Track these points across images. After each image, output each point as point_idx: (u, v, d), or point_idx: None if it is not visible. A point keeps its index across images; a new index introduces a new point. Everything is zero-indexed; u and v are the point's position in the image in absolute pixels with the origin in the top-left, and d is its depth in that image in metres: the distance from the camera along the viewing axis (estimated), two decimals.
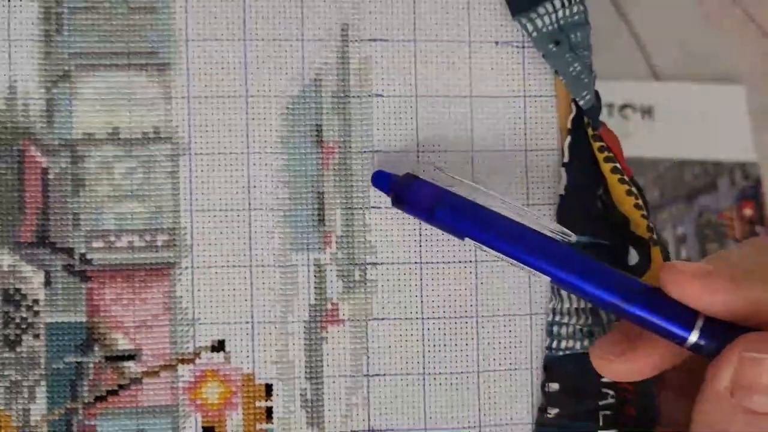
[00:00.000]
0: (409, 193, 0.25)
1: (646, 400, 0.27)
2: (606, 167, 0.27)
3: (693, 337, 0.23)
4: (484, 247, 0.25)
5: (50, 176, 0.26)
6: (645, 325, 0.24)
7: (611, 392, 0.27)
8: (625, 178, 0.27)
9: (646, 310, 0.23)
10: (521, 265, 0.24)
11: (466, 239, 0.25)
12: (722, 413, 0.22)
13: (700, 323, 0.23)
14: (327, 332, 0.27)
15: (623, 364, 0.24)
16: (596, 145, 0.27)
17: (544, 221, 0.25)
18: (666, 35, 0.54)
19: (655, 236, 0.27)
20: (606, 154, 0.27)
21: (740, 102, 0.55)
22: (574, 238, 0.25)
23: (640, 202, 0.27)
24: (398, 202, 0.26)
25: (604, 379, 0.27)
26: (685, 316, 0.23)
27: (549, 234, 0.25)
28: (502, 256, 0.25)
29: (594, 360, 0.25)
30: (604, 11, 0.52)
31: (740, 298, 0.22)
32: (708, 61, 0.55)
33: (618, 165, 0.27)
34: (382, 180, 0.26)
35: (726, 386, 0.22)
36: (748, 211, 0.54)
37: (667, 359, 0.24)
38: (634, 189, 0.27)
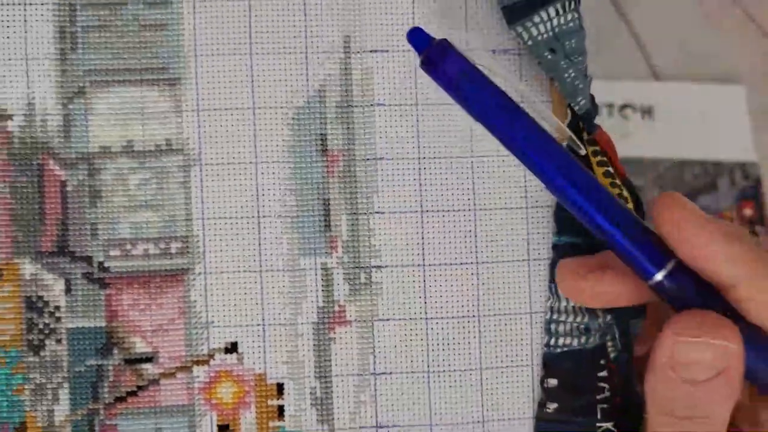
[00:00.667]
0: (441, 58, 0.25)
1: (629, 388, 0.28)
2: (599, 171, 0.28)
3: (659, 276, 0.24)
4: (492, 136, 0.25)
5: (68, 188, 0.28)
6: (619, 251, 0.24)
7: (607, 386, 0.28)
8: (617, 181, 0.28)
9: (626, 236, 0.24)
10: (522, 162, 0.25)
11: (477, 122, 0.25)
12: (667, 385, 0.23)
13: (670, 266, 0.24)
14: (335, 333, 0.28)
15: (587, 283, 0.26)
16: (590, 149, 0.28)
17: (564, 128, 0.25)
18: (666, 35, 0.54)
19: None
20: (599, 158, 0.28)
21: (740, 102, 0.55)
22: (583, 151, 0.25)
23: (629, 206, 0.28)
24: (427, 63, 0.25)
25: (600, 374, 0.28)
26: (659, 255, 0.24)
27: (564, 142, 0.25)
28: (508, 149, 0.25)
29: (560, 273, 0.26)
30: (604, 11, 0.52)
31: (731, 266, 0.23)
32: (708, 61, 0.55)
33: (610, 169, 0.28)
34: (418, 37, 0.25)
35: (665, 362, 0.23)
36: (748, 211, 0.54)
37: (630, 295, 0.25)
38: (624, 192, 0.28)
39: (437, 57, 0.25)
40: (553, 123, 0.25)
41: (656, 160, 0.54)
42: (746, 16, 0.53)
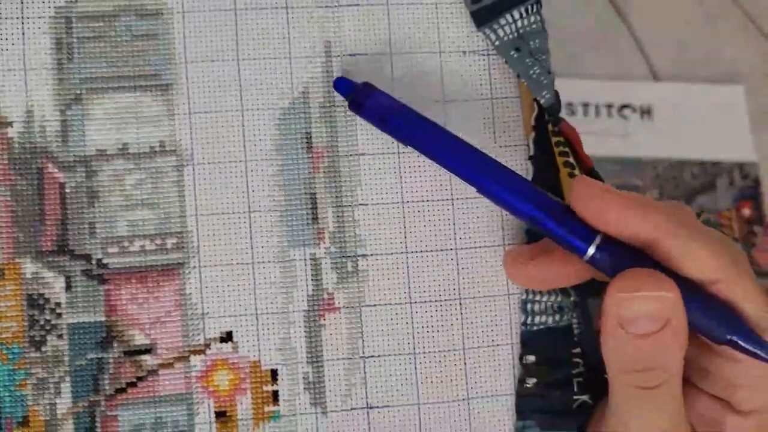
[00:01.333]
0: (367, 99, 0.28)
1: (598, 362, 0.30)
2: (560, 161, 0.30)
3: (591, 250, 0.26)
4: (419, 150, 0.28)
5: (67, 190, 0.29)
6: (552, 235, 0.27)
7: (581, 361, 0.30)
8: (575, 172, 0.30)
9: (554, 221, 0.26)
10: (456, 174, 0.27)
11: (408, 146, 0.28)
12: (618, 342, 0.25)
13: (597, 240, 0.26)
14: (325, 320, 0.30)
15: (534, 268, 0.28)
16: (554, 140, 0.30)
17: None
18: (665, 36, 0.54)
19: None
20: (561, 148, 0.30)
21: (739, 102, 0.55)
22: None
23: None
24: (354, 106, 0.28)
25: (574, 350, 0.30)
26: (586, 232, 0.26)
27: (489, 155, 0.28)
28: (431, 159, 0.28)
29: (507, 262, 0.28)
30: (603, 12, 0.51)
31: (643, 222, 0.25)
32: (707, 61, 0.55)
33: (570, 159, 0.30)
34: (343, 86, 0.29)
35: (614, 321, 0.25)
36: (746, 211, 0.55)
37: (574, 275, 0.27)
38: None
39: (362, 98, 0.28)
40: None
41: (655, 159, 0.54)
42: (745, 16, 0.53)
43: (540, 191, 0.27)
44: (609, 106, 0.53)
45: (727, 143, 0.55)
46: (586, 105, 0.52)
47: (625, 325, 0.25)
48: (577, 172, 0.30)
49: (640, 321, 0.24)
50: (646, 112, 0.54)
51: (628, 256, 0.26)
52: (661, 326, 0.24)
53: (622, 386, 0.26)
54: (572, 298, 0.30)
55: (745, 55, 0.56)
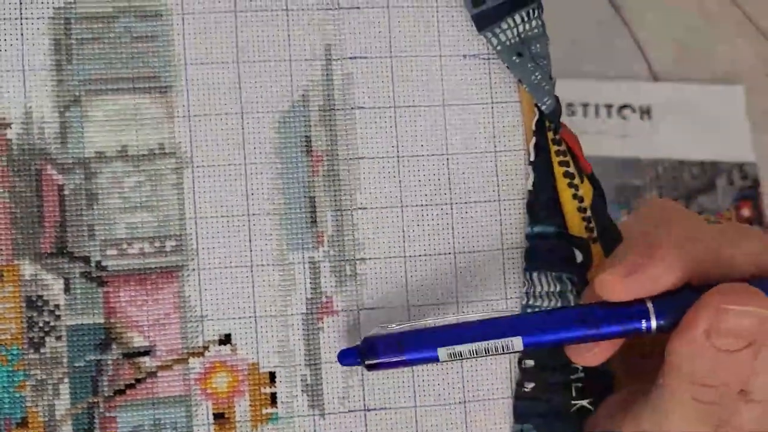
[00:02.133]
0: (379, 354, 0.27)
1: (600, 368, 0.30)
2: (559, 171, 0.30)
3: (653, 324, 0.26)
4: (456, 350, 0.27)
5: (66, 192, 0.29)
6: (609, 337, 0.27)
7: (580, 366, 0.30)
8: (574, 181, 0.30)
9: (604, 327, 0.26)
10: (489, 346, 0.27)
11: (440, 355, 0.27)
12: (698, 352, 0.25)
13: (651, 309, 0.26)
14: (323, 323, 0.30)
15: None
16: (553, 149, 0.30)
17: (487, 311, 0.28)
18: (665, 36, 0.54)
19: (594, 234, 0.30)
20: (561, 158, 0.30)
21: (739, 103, 0.55)
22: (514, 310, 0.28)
23: (584, 204, 0.30)
24: (371, 365, 0.28)
25: None
26: (636, 312, 0.26)
27: (498, 314, 0.28)
28: (472, 348, 0.27)
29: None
30: (603, 12, 0.51)
31: (679, 269, 0.25)
32: (706, 61, 0.55)
33: (570, 168, 0.30)
34: (347, 355, 0.28)
35: (703, 329, 0.25)
36: (746, 212, 0.55)
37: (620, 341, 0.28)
38: (580, 192, 0.30)
39: (373, 357, 0.27)
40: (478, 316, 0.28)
41: (655, 160, 0.54)
42: (745, 16, 0.53)
43: (568, 310, 0.27)
44: (609, 107, 0.53)
45: (726, 143, 0.55)
46: (585, 105, 0.52)
47: (713, 336, 0.24)
48: (576, 181, 0.30)
49: (731, 337, 0.24)
50: (645, 112, 0.54)
51: (685, 302, 0.26)
52: (744, 346, 0.24)
53: (678, 392, 0.26)
54: (572, 305, 0.30)
55: (744, 55, 0.55)
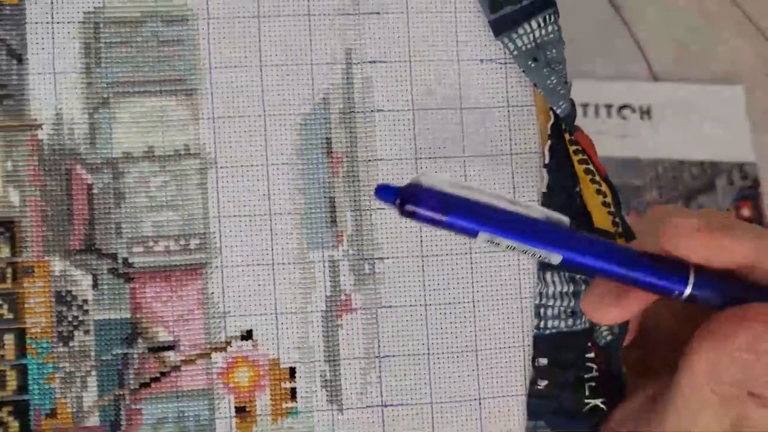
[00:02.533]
0: (418, 204, 0.24)
1: (613, 370, 0.30)
2: (580, 168, 0.31)
3: (688, 291, 0.26)
4: (498, 240, 0.25)
5: (95, 191, 0.30)
6: (643, 286, 0.26)
7: (594, 366, 0.31)
8: (596, 178, 0.31)
9: (642, 273, 0.26)
10: (531, 250, 0.25)
11: (480, 235, 0.25)
12: (723, 360, 0.25)
13: (692, 278, 0.26)
14: (342, 320, 0.31)
15: (616, 309, 0.27)
16: (572, 148, 0.31)
17: (536, 209, 0.26)
18: (665, 36, 0.54)
19: (620, 229, 0.31)
20: (580, 156, 0.31)
21: (738, 103, 0.55)
22: (567, 221, 0.26)
23: (608, 199, 0.30)
24: (406, 213, 0.25)
25: (588, 355, 0.31)
26: (677, 271, 0.26)
27: (545, 220, 0.26)
28: (514, 245, 0.25)
29: (588, 306, 0.27)
30: (603, 12, 0.51)
31: (740, 248, 0.25)
32: (706, 61, 0.54)
33: (590, 166, 0.31)
34: (386, 194, 0.25)
35: (738, 346, 0.25)
36: (746, 212, 0.54)
37: (646, 303, 0.27)
38: (602, 188, 0.31)
39: (413, 204, 0.24)
40: (531, 207, 0.26)
41: (655, 160, 0.54)
42: (745, 16, 0.53)
43: (618, 247, 0.26)
44: (608, 107, 0.53)
45: (726, 143, 0.55)
46: (585, 105, 0.52)
47: (746, 351, 0.25)
48: (597, 177, 0.31)
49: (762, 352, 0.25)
50: (645, 112, 0.54)
51: (725, 286, 0.26)
52: None
53: (703, 392, 0.26)
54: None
55: (744, 55, 0.55)
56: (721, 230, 0.26)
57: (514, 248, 0.25)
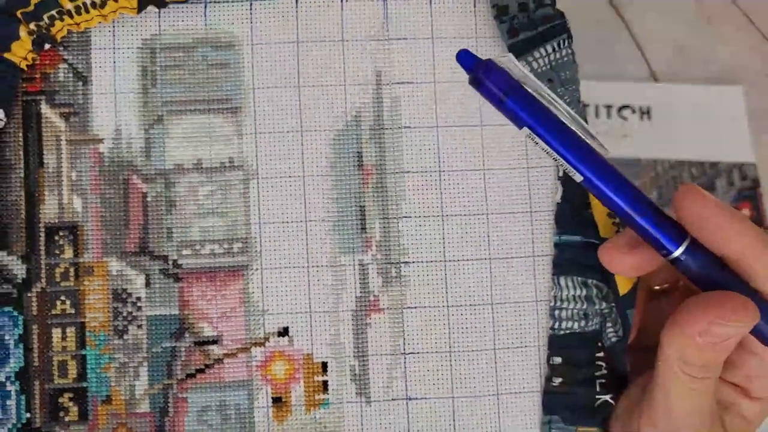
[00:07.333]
0: (487, 77, 0.27)
1: (619, 366, 0.32)
2: None
3: (677, 252, 0.28)
4: (537, 139, 0.28)
5: (149, 199, 0.33)
6: (642, 233, 0.28)
7: (604, 364, 0.33)
8: None
9: (648, 220, 0.28)
10: (562, 160, 0.28)
11: (524, 129, 0.28)
12: (693, 346, 0.27)
13: (686, 242, 0.28)
14: (370, 319, 0.33)
15: (630, 257, 0.30)
16: None
17: (585, 129, 0.28)
18: (664, 36, 0.53)
19: None
20: None
21: (738, 103, 0.55)
22: (607, 150, 0.28)
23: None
24: (475, 82, 0.28)
25: (598, 354, 0.33)
26: (676, 234, 0.28)
27: (590, 142, 0.28)
28: (548, 149, 0.28)
29: (606, 252, 0.30)
30: (603, 13, 0.51)
31: (739, 239, 0.27)
32: (706, 62, 0.54)
33: None
34: (466, 59, 0.27)
35: (697, 331, 0.27)
36: (745, 212, 0.54)
37: (654, 264, 0.30)
38: None
39: (483, 75, 0.27)
40: (581, 125, 0.28)
41: (654, 160, 0.54)
42: (745, 17, 0.52)
43: (637, 190, 0.28)
44: (608, 107, 0.53)
45: (726, 144, 0.54)
46: (585, 105, 0.52)
47: (703, 335, 0.27)
48: None
49: (716, 337, 0.27)
50: (645, 112, 0.54)
51: (710, 264, 0.28)
52: (724, 340, 0.27)
53: (675, 373, 0.28)
54: (596, 307, 0.33)
55: (744, 55, 0.55)
56: (731, 216, 0.27)
57: (547, 152, 0.28)
